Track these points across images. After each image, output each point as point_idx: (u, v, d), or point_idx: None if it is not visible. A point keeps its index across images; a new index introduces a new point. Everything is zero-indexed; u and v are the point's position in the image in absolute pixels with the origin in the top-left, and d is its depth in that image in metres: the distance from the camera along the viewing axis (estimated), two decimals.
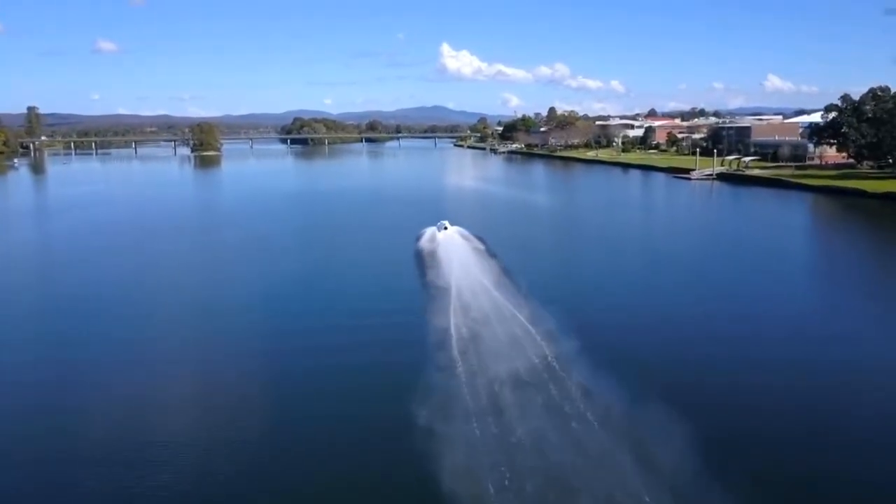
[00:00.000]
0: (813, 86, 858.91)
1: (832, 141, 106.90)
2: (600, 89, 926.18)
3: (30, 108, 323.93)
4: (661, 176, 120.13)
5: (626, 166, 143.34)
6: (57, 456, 21.10)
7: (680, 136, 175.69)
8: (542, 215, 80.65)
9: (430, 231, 56.53)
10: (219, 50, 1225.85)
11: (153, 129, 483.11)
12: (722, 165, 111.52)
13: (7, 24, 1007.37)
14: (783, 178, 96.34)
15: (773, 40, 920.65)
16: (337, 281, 44.47)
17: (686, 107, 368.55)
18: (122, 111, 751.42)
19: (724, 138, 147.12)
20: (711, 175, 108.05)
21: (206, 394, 26.11)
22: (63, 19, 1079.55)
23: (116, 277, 46.35)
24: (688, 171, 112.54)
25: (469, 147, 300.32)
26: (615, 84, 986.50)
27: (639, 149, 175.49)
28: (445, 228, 56.61)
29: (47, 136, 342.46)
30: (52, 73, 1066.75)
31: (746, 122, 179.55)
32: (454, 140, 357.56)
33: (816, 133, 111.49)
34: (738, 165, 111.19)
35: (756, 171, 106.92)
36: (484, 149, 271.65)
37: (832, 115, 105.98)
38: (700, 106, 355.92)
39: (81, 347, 31.52)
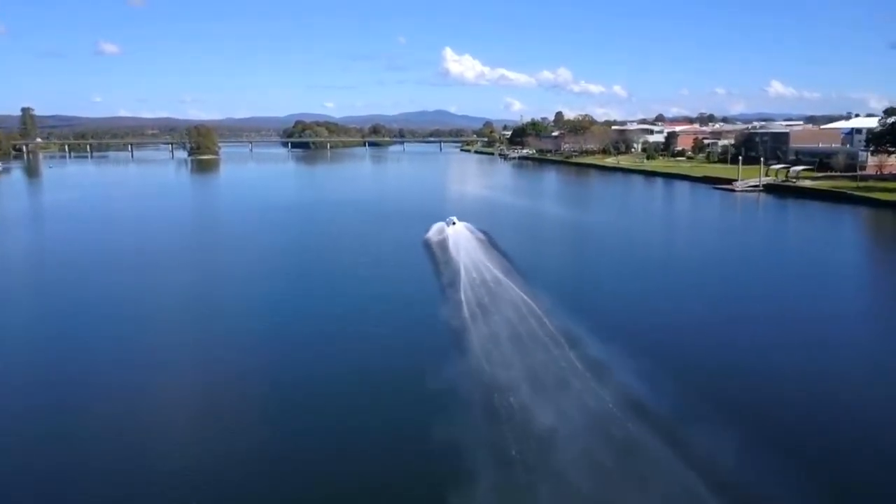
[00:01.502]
0: (815, 92, 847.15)
1: (892, 149, 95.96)
2: (603, 94, 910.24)
3: (24, 110, 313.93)
4: (697, 187, 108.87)
5: (653, 175, 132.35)
6: (57, 457, 20.88)
7: (705, 142, 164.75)
8: (579, 234, 69.40)
9: (438, 225, 59.83)
10: (220, 52, 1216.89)
11: (154, 131, 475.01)
12: (767, 175, 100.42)
13: (8, 25, 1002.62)
14: (846, 192, 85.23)
15: (774, 46, 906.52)
16: (354, 273, 46.68)
17: (687, 111, 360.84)
18: (123, 113, 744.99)
19: (757, 145, 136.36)
20: (758, 186, 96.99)
21: (223, 397, 25.63)
22: (64, 21, 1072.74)
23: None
24: (729, 181, 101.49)
25: (476, 152, 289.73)
26: (617, 89, 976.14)
27: (662, 155, 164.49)
28: (454, 223, 59.29)
29: (43, 139, 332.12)
30: (54, 75, 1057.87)
31: (776, 126, 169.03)
32: (459, 144, 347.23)
33: (874, 140, 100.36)
34: (786, 176, 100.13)
35: (807, 183, 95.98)
36: (492, 154, 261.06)
37: (892, 119, 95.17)
38: (703, 111, 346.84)
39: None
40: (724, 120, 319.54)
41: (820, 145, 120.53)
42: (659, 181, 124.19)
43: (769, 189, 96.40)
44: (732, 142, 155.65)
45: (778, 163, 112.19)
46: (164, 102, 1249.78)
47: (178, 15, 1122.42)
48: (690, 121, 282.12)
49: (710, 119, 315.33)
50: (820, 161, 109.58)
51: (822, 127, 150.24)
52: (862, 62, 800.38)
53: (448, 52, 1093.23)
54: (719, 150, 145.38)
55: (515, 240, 58.12)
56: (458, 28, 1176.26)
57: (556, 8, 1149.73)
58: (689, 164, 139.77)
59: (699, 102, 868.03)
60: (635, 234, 66.55)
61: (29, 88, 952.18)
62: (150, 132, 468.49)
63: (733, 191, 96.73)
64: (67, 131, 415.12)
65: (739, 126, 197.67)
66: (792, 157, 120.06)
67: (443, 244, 52.97)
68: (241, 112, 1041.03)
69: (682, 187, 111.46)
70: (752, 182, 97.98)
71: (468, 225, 59.32)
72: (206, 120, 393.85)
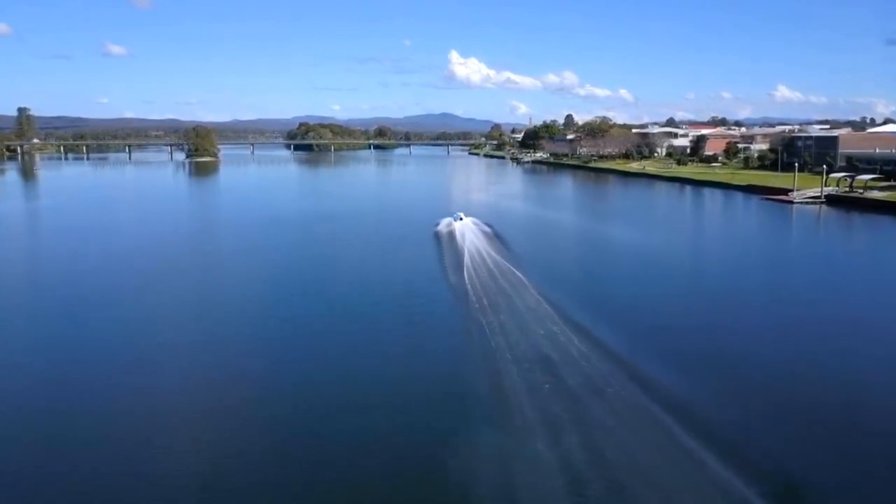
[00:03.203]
0: (822, 96, 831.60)
1: None
2: (608, 98, 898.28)
3: (21, 110, 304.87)
4: (743, 197, 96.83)
5: (687, 182, 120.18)
6: (62, 460, 20.21)
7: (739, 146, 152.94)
8: (617, 255, 57.49)
9: (446, 220, 62.44)
10: (226, 54, 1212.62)
11: (158, 132, 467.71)
12: (827, 185, 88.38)
13: (15, 26, 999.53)
14: None
15: (780, 50, 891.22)
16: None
17: (692, 115, 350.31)
18: (129, 115, 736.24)
19: (799, 150, 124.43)
20: (819, 197, 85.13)
21: (232, 399, 24.43)
22: (70, 23, 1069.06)
23: None
24: (782, 191, 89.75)
25: (486, 155, 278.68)
26: (623, 93, 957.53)
27: (690, 160, 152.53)
28: (461, 219, 61.53)
29: (41, 139, 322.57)
30: (61, 77, 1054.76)
31: (813, 130, 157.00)
32: (467, 148, 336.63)
33: None
34: (849, 185, 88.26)
35: (875, 194, 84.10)
36: (503, 157, 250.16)
37: None
38: (711, 115, 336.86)
39: None
40: (737, 124, 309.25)
41: (877, 151, 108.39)
42: (696, 190, 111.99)
43: (831, 200, 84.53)
44: (766, 146, 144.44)
45: (830, 170, 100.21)
46: (171, 104, 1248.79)
47: (185, 17, 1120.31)
48: (702, 124, 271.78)
49: (723, 123, 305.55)
50: (880, 169, 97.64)
51: (869, 131, 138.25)
52: (868, 66, 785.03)
53: (454, 55, 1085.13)
54: (756, 155, 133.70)
55: (546, 259, 48.70)
56: (464, 31, 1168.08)
57: (561, 11, 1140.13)
58: (724, 171, 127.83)
59: (705, 106, 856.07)
60: (690, 256, 55.00)
61: (36, 90, 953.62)
62: (154, 134, 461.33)
63: (790, 202, 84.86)
64: (72, 132, 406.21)
65: (777, 129, 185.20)
66: (842, 164, 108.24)
67: (451, 235, 57.38)
68: (247, 114, 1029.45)
69: (726, 198, 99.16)
70: (812, 192, 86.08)
71: (475, 220, 63.22)
72: (212, 122, 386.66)
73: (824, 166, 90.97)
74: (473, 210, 70.81)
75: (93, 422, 22.58)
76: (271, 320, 34.27)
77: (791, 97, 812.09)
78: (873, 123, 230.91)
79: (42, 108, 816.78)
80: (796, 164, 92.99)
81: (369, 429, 21.49)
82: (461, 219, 61.63)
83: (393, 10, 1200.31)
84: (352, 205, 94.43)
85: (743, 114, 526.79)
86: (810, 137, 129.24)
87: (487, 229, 58.95)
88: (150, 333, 32.30)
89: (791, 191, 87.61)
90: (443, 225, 61.58)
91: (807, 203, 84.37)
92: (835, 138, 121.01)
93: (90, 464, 19.84)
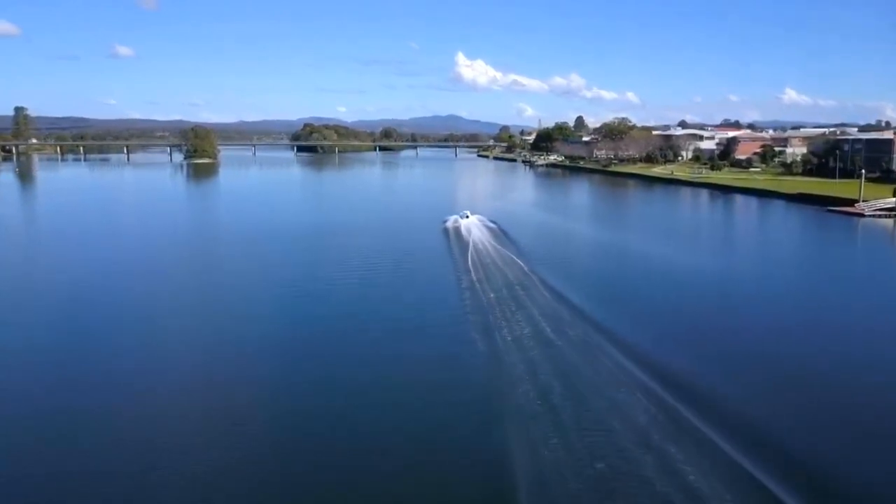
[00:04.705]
0: (829, 99, 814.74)
1: None
2: (615, 100, 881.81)
3: (18, 109, 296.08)
4: (797, 208, 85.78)
5: (725, 190, 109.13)
6: (63, 462, 19.87)
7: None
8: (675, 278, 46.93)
9: (453, 217, 65.61)
10: (232, 55, 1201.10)
11: (163, 133, 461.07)
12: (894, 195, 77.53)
13: (23, 26, 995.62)
14: None
15: (788, 53, 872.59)
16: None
17: (700, 118, 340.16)
18: (135, 115, 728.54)
19: (846, 154, 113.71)
20: (893, 209, 74.29)
21: (241, 404, 24.08)
22: (78, 23, 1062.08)
23: None
24: (845, 201, 79.01)
25: (495, 158, 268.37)
26: (630, 95, 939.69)
27: (722, 165, 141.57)
28: (467, 217, 64.80)
29: (40, 140, 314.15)
30: (68, 77, 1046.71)
31: (852, 132, 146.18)
32: (474, 150, 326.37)
33: None
34: None
35: None
36: (513, 160, 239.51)
37: None
38: (719, 118, 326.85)
39: None
40: (751, 126, 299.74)
41: None
42: (736, 198, 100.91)
43: None
44: (804, 150, 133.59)
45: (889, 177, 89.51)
46: (177, 105, 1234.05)
47: (191, 18, 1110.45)
48: (719, 126, 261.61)
49: (737, 125, 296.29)
50: None
51: None
52: (874, 69, 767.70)
53: (461, 57, 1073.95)
54: (800, 159, 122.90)
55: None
56: (470, 33, 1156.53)
57: (568, 13, 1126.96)
58: (764, 177, 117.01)
59: (713, 109, 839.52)
60: (770, 287, 44.28)
61: (42, 90, 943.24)
62: (158, 134, 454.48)
63: (859, 215, 74.11)
64: (74, 133, 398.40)
65: (817, 131, 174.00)
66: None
67: (457, 231, 60.64)
68: (252, 115, 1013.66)
69: (779, 209, 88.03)
70: (883, 203, 75.21)
71: (481, 217, 65.99)
72: (218, 123, 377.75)
73: (892, 173, 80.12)
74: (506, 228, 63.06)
75: (95, 423, 22.30)
76: (278, 315, 34.49)
77: (798, 100, 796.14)
78: (888, 127, 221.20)
79: (49, 108, 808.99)
80: (863, 172, 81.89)
81: (373, 421, 21.77)
82: (467, 216, 64.98)
83: (397, 11, 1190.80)
84: (356, 215, 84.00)
85: (751, 116, 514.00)
86: (859, 140, 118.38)
87: (492, 225, 62.52)
88: (152, 335, 32.08)
89: (856, 201, 76.91)
90: (450, 222, 64.96)
91: (879, 216, 73.59)
92: (890, 141, 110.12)
93: (93, 464, 19.58)
